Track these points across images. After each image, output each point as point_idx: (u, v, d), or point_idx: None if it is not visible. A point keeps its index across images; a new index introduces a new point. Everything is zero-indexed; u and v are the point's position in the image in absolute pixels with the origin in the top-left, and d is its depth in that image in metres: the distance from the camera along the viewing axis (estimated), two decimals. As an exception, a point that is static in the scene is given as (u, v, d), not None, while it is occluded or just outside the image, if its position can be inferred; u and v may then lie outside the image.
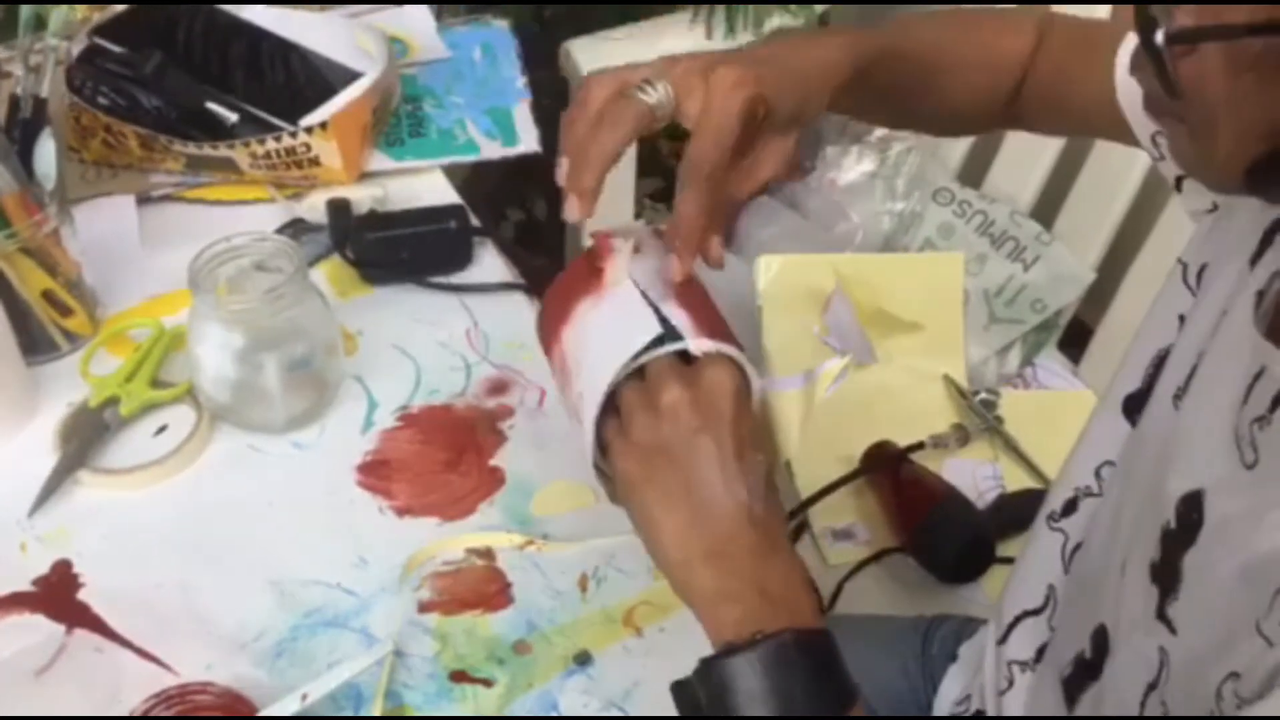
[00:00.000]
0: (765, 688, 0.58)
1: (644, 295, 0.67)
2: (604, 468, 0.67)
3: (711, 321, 0.68)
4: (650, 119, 0.66)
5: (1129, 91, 0.76)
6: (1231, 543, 0.58)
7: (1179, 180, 0.77)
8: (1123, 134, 0.79)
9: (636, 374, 0.65)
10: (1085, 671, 0.72)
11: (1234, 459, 0.60)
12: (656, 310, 0.66)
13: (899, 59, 0.79)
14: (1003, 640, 0.86)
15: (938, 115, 0.87)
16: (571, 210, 0.66)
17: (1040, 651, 0.82)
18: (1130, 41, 0.75)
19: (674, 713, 0.69)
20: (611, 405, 0.65)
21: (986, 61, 0.85)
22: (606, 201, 0.68)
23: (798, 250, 1.45)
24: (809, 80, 0.70)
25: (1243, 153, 0.53)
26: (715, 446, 0.62)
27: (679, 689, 0.62)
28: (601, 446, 0.66)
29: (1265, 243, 0.65)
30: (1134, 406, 0.76)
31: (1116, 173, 1.41)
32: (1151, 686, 0.62)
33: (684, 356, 0.65)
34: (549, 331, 0.71)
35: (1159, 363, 0.74)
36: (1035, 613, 0.83)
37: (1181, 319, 0.73)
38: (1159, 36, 0.51)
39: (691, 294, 0.69)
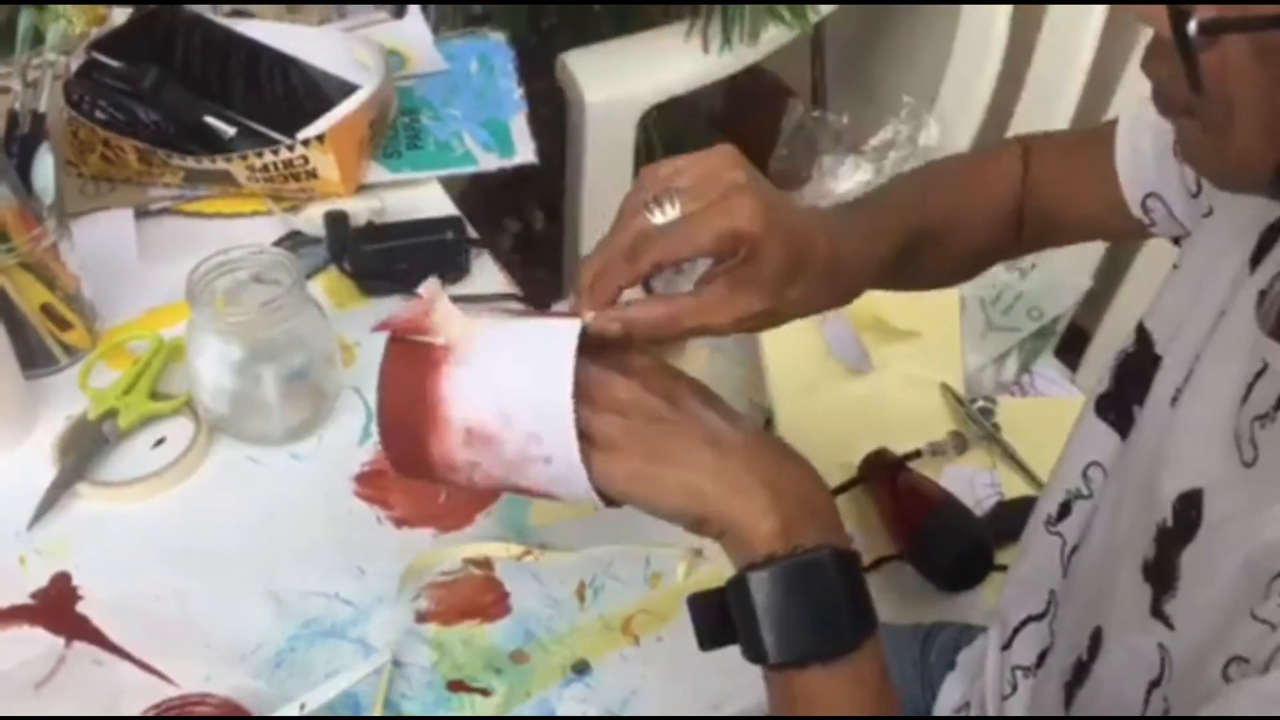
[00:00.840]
0: (791, 600, 0.58)
1: (508, 318, 0.65)
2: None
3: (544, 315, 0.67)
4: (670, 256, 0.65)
5: (1130, 172, 0.79)
6: (1231, 539, 0.58)
7: (1176, 240, 0.79)
8: (1127, 224, 0.80)
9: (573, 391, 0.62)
10: (1082, 674, 0.72)
11: (1233, 457, 0.60)
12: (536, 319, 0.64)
13: (924, 236, 0.79)
14: (1007, 646, 0.86)
15: (949, 270, 0.88)
16: (603, 327, 0.64)
17: (1042, 656, 0.82)
18: (1130, 117, 0.78)
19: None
20: None
21: (988, 212, 0.86)
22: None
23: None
24: (816, 276, 0.69)
25: (1264, 147, 0.53)
26: (693, 404, 0.63)
27: (698, 602, 0.62)
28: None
29: (1265, 243, 0.65)
30: (1106, 407, 0.77)
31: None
32: (1154, 684, 0.63)
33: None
34: (418, 436, 0.63)
35: (1125, 363, 0.75)
36: (1038, 618, 0.83)
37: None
38: (1191, 27, 0.50)
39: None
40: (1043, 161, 0.85)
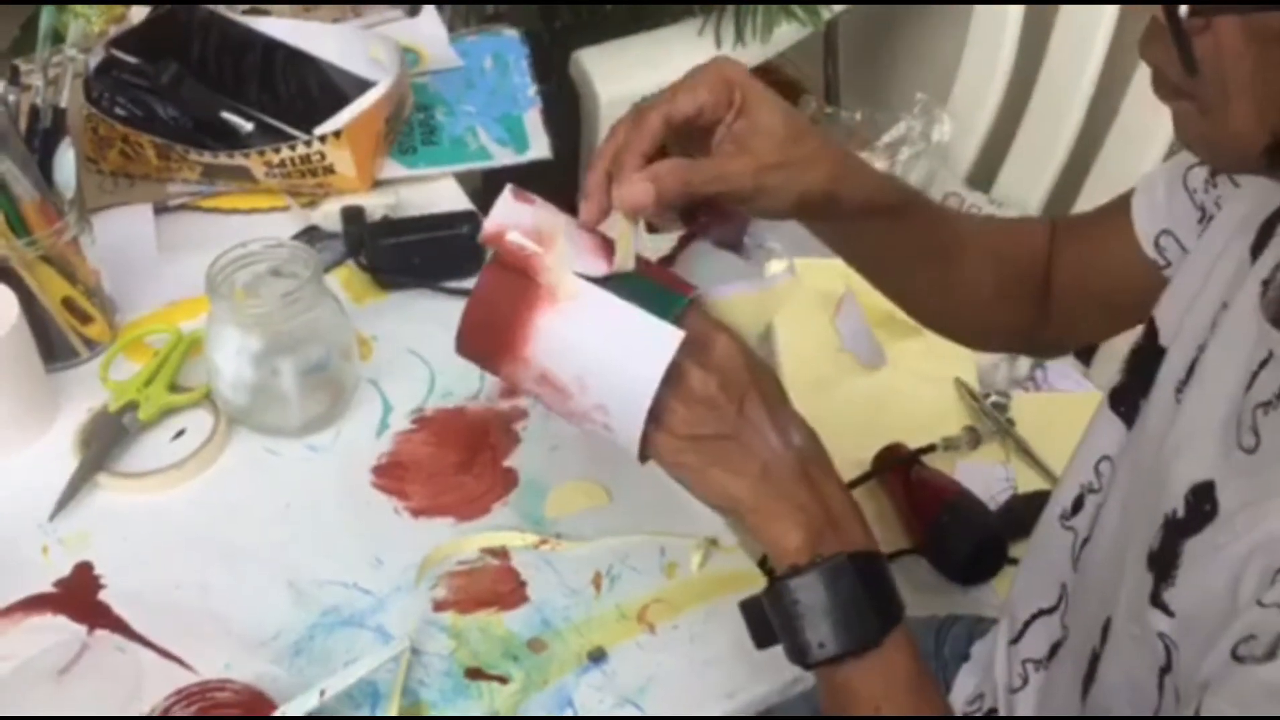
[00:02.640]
0: (820, 603, 0.64)
1: (619, 296, 0.64)
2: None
3: (655, 273, 0.67)
4: (668, 116, 0.69)
5: (1144, 212, 0.81)
6: (1236, 528, 0.58)
7: None
8: (1143, 269, 0.82)
9: None
10: (1096, 665, 0.73)
11: (1233, 444, 0.60)
12: (643, 305, 0.64)
13: (930, 216, 0.84)
14: (1017, 639, 0.86)
15: (957, 298, 0.89)
16: (634, 193, 0.66)
17: (1054, 649, 0.83)
18: (1147, 173, 0.82)
19: (686, 708, 0.71)
20: None
21: (1008, 249, 0.89)
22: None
23: (808, 255, 1.46)
24: (820, 147, 0.72)
25: (1257, 128, 0.54)
26: (758, 415, 0.65)
27: (748, 608, 0.67)
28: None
29: (1264, 234, 0.66)
30: (1119, 400, 0.77)
31: (1125, 176, 1.41)
32: (1164, 670, 0.63)
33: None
34: (497, 350, 0.66)
35: (1135, 356, 0.75)
36: (1049, 611, 0.83)
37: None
38: (1182, 10, 0.51)
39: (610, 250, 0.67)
40: (1066, 231, 0.89)
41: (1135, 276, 0.82)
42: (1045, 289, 0.89)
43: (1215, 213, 0.75)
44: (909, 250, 0.84)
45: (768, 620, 0.66)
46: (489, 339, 0.67)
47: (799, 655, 0.65)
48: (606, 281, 0.66)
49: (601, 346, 0.65)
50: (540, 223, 0.65)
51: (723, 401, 0.65)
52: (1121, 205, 0.83)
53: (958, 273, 0.87)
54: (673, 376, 0.64)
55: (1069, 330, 0.92)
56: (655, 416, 0.65)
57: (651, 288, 0.66)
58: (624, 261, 0.66)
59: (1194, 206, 0.78)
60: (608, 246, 0.67)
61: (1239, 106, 0.54)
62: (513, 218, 0.65)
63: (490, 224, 0.65)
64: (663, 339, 0.64)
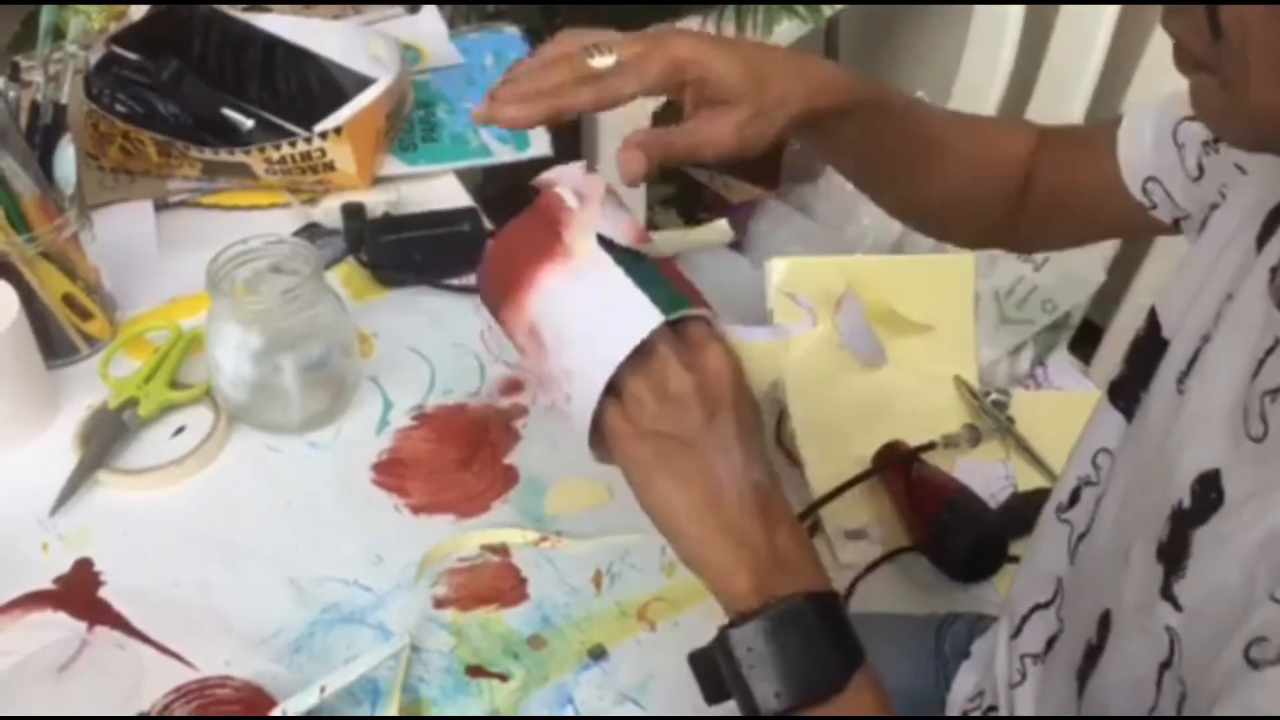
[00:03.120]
0: (773, 651, 0.60)
1: (625, 272, 0.64)
2: (596, 443, 0.67)
3: (677, 279, 0.67)
4: (591, 76, 0.67)
5: (1130, 156, 0.80)
6: (1247, 517, 0.58)
7: (1176, 221, 0.80)
8: (1128, 206, 0.81)
9: (635, 352, 0.64)
10: (1093, 658, 0.72)
11: (1241, 433, 0.60)
12: (644, 290, 0.64)
13: (906, 116, 0.82)
14: (1016, 634, 0.86)
15: (935, 199, 0.88)
16: (481, 107, 0.66)
17: (1050, 643, 0.83)
18: (1135, 110, 0.80)
19: (686, 706, 0.70)
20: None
21: (989, 153, 0.88)
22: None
23: (808, 253, 1.46)
24: (784, 75, 0.71)
25: (1276, 103, 0.53)
26: (727, 431, 0.63)
27: (696, 659, 0.64)
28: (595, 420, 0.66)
29: (1270, 223, 0.66)
30: (1118, 392, 0.77)
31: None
32: (1165, 665, 0.63)
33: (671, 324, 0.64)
34: (503, 291, 0.67)
35: (1136, 347, 0.75)
36: (1045, 605, 0.83)
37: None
38: None
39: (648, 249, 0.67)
40: (1052, 141, 0.88)
41: (1113, 204, 0.82)
42: (1023, 191, 0.88)
43: (1216, 180, 0.75)
44: (892, 146, 0.83)
45: (718, 672, 0.62)
46: (499, 281, 0.67)
47: (751, 708, 0.61)
48: (628, 259, 0.65)
49: (585, 310, 0.64)
50: (589, 189, 0.66)
51: (693, 404, 0.63)
52: (1107, 135, 0.82)
53: (939, 170, 0.86)
54: (653, 367, 0.63)
55: (1041, 234, 0.92)
56: (624, 403, 0.63)
57: (666, 285, 0.65)
58: (587, 251, 0.65)
59: (1184, 161, 0.77)
60: (644, 235, 0.67)
61: (1260, 78, 0.53)
62: (570, 179, 0.67)
63: (549, 174, 0.67)
64: (643, 317, 0.63)
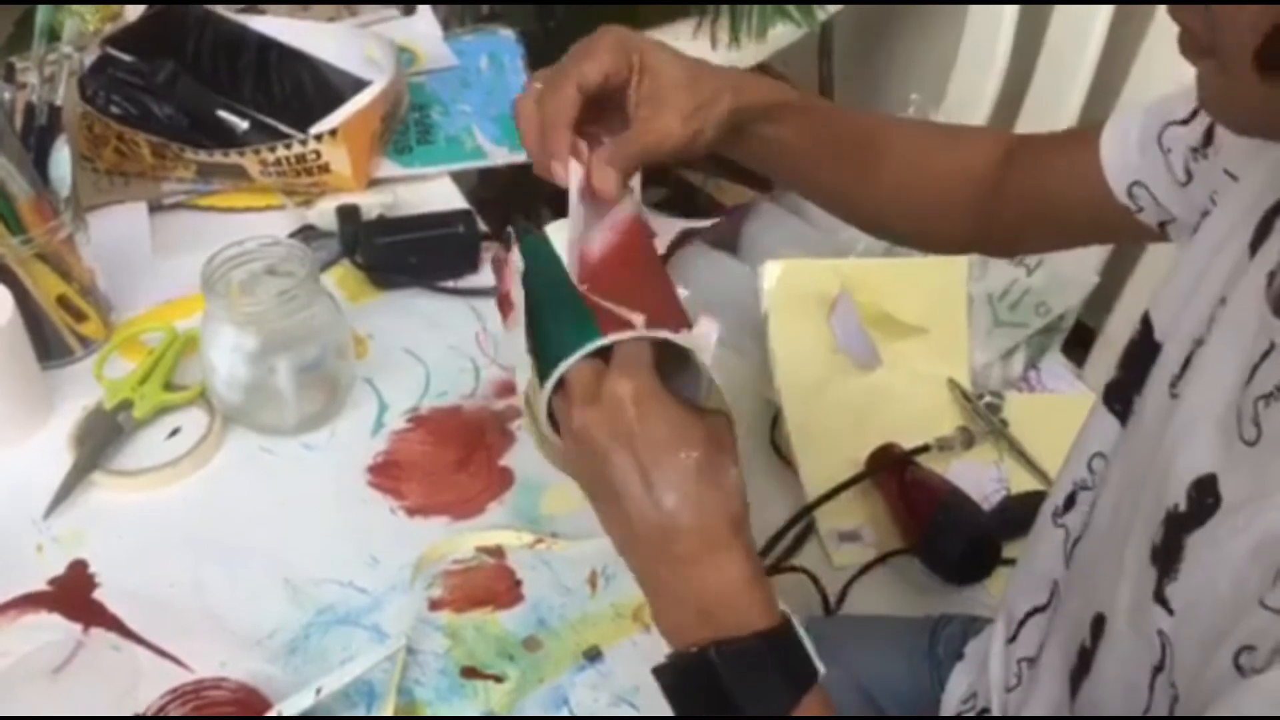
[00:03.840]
0: (682, 704, 0.62)
1: (530, 323, 0.67)
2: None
3: (625, 296, 0.66)
4: (583, 82, 0.70)
5: (1115, 160, 0.80)
6: (1238, 522, 0.58)
7: (1162, 225, 0.80)
8: (1113, 211, 0.81)
9: (557, 384, 0.65)
10: (1086, 662, 0.73)
11: (1234, 437, 0.61)
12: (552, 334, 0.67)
13: (834, 116, 0.85)
14: (1013, 639, 0.86)
15: (891, 207, 0.89)
16: (559, 172, 0.70)
17: (1042, 646, 0.83)
18: (1118, 113, 0.81)
19: (670, 666, 0.69)
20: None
21: (950, 162, 0.89)
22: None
23: (802, 255, 1.46)
24: (713, 74, 0.76)
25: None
26: (629, 463, 0.62)
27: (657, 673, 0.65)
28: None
29: (1264, 228, 0.66)
30: (1113, 396, 0.77)
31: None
32: (1158, 669, 0.63)
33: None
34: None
35: (1131, 351, 0.75)
36: (1041, 610, 0.84)
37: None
38: None
39: (618, 264, 0.69)
40: (1026, 148, 0.88)
41: (1095, 208, 0.82)
42: (994, 197, 0.88)
43: (1205, 185, 0.75)
44: (823, 148, 0.85)
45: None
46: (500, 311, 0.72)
47: None
48: (554, 297, 0.67)
49: (517, 370, 0.68)
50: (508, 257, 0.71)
51: (596, 440, 0.62)
52: (1087, 140, 0.82)
53: (885, 172, 0.87)
54: (563, 405, 0.64)
55: (1018, 240, 0.92)
56: (568, 391, 0.64)
57: (578, 323, 0.65)
58: (515, 303, 0.69)
59: (1170, 166, 0.77)
60: (631, 232, 0.70)
61: (1243, 63, 0.53)
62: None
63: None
64: (522, 375, 0.67)
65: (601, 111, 0.73)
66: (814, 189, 0.90)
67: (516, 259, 0.69)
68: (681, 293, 0.70)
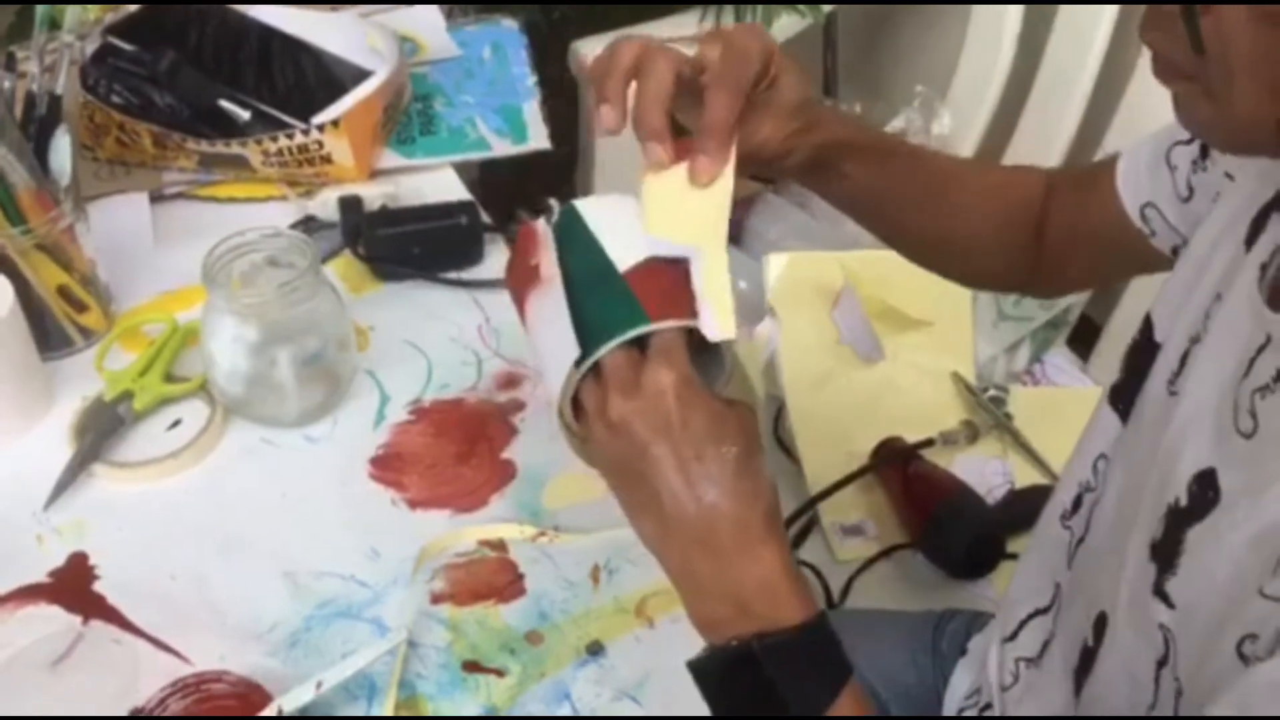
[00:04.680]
0: (722, 697, 0.62)
1: (573, 297, 0.65)
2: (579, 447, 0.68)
3: (667, 284, 0.65)
4: (682, 62, 0.68)
5: (1128, 183, 0.82)
6: (1237, 514, 0.58)
7: (1175, 249, 0.80)
8: (1130, 236, 0.82)
9: (589, 371, 0.64)
10: (1090, 660, 0.72)
11: (1231, 429, 0.60)
12: (591, 314, 0.65)
13: (913, 158, 0.87)
14: (1012, 638, 0.86)
15: (952, 243, 0.91)
16: (656, 154, 0.67)
17: (1045, 646, 0.82)
18: (1133, 141, 0.82)
19: (683, 702, 0.70)
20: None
21: (1004, 200, 0.90)
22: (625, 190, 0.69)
23: (806, 248, 1.46)
24: (823, 109, 0.77)
25: (1262, 109, 0.53)
26: (669, 456, 0.61)
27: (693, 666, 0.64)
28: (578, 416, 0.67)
29: (1258, 224, 0.66)
30: (1117, 397, 0.77)
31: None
32: (1161, 663, 0.63)
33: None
34: (515, 296, 0.70)
35: (1133, 352, 0.75)
36: (1044, 611, 0.83)
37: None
38: None
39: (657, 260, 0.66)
40: (1061, 184, 0.90)
41: (1121, 237, 0.82)
42: (1039, 236, 0.90)
43: (1206, 196, 0.75)
44: (899, 190, 0.85)
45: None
46: (512, 282, 0.70)
47: None
48: (593, 275, 0.65)
49: (545, 338, 0.66)
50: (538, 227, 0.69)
51: (635, 432, 0.61)
52: (1109, 170, 0.84)
53: (950, 212, 0.89)
54: (599, 392, 0.63)
55: (1060, 277, 0.93)
56: (603, 376, 0.63)
57: (623, 302, 0.64)
58: (550, 275, 0.66)
59: (1175, 184, 0.78)
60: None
61: (1244, 87, 0.53)
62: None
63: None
64: (570, 355, 0.63)
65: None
66: (884, 227, 0.91)
67: (548, 232, 0.67)
68: (741, 285, 0.69)
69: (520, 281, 0.68)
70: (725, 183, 0.67)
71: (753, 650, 0.60)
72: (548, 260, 0.66)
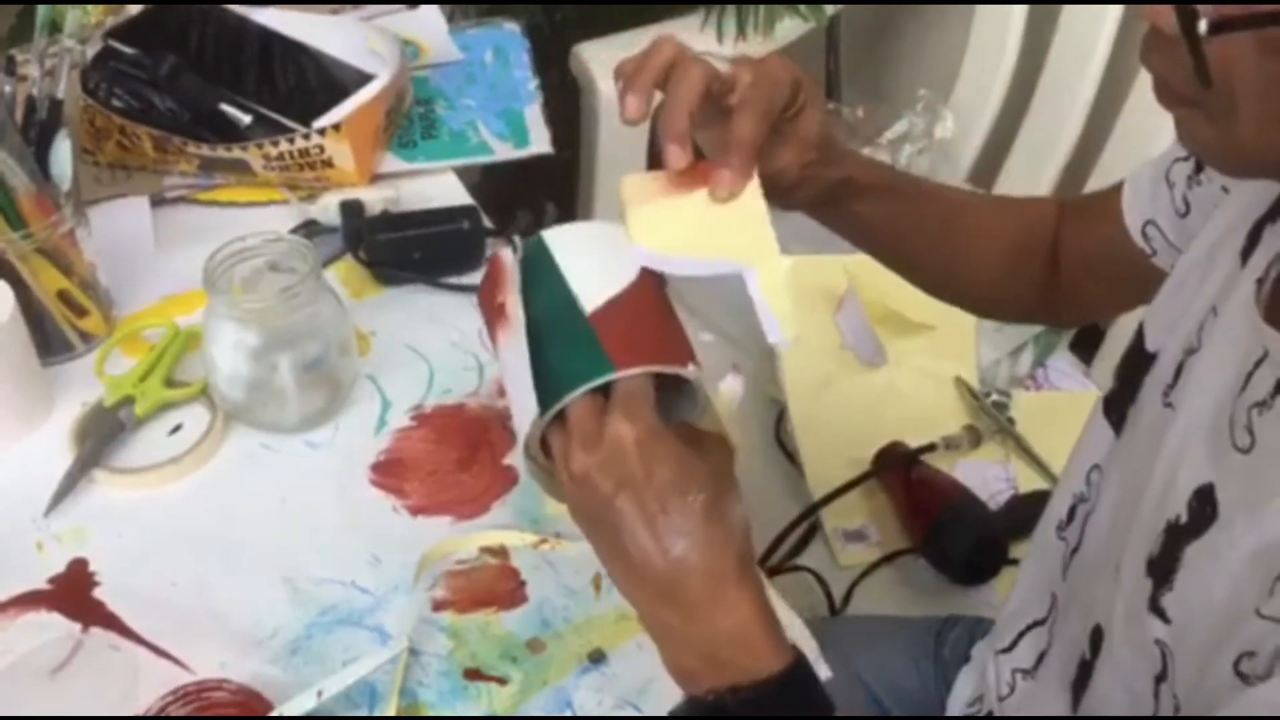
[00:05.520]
0: None
1: (533, 348, 0.64)
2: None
3: (633, 324, 0.64)
4: (714, 77, 0.68)
5: (1132, 203, 0.83)
6: (1235, 530, 0.58)
7: None
8: (1134, 255, 0.83)
9: (555, 417, 0.63)
10: (1087, 673, 0.72)
11: (1228, 445, 0.60)
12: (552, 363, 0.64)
13: (925, 196, 0.89)
14: (1010, 649, 0.86)
15: (971, 280, 0.92)
16: (677, 158, 0.66)
17: (1040, 658, 0.82)
18: (1146, 169, 0.82)
19: (685, 710, 0.70)
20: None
21: (1021, 233, 0.91)
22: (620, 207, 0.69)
23: (809, 251, 1.45)
24: (842, 149, 0.79)
25: (1268, 135, 0.53)
26: (634, 511, 0.60)
27: None
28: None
29: (1255, 237, 0.66)
30: (1110, 407, 0.77)
31: (1128, 174, 1.41)
32: (1159, 678, 0.63)
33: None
34: (486, 324, 0.70)
35: (1126, 361, 0.75)
36: (1040, 623, 0.83)
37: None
38: (1201, 26, 0.50)
39: (625, 296, 0.65)
40: (1071, 212, 0.91)
41: (1129, 260, 0.83)
42: (1053, 265, 0.91)
43: (1202, 212, 0.75)
44: (907, 226, 0.87)
45: None
46: (483, 312, 0.70)
47: None
48: (558, 321, 0.64)
49: (510, 374, 0.65)
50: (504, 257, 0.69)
51: (597, 486, 0.60)
52: (1115, 192, 0.85)
53: (962, 245, 0.90)
54: (563, 441, 0.62)
55: (1076, 305, 0.93)
56: (568, 427, 0.62)
57: (587, 350, 0.62)
58: (514, 317, 0.65)
59: (1173, 200, 0.79)
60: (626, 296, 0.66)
61: (1248, 115, 0.53)
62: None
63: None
64: (529, 409, 0.62)
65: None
66: (894, 261, 0.92)
67: (515, 267, 0.67)
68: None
69: (489, 313, 0.68)
70: (758, 197, 0.66)
71: (727, 704, 0.60)
72: (513, 299, 0.65)
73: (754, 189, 0.66)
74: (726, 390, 0.64)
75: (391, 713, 0.76)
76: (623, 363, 0.61)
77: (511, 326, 0.65)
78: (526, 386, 0.62)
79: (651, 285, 0.66)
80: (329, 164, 1.10)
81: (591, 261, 0.66)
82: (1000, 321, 1.05)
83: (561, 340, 0.64)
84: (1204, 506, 0.61)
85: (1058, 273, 0.91)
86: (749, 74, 0.69)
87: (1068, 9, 1.53)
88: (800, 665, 0.61)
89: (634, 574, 0.62)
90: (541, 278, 0.66)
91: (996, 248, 0.91)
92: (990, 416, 1.37)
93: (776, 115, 0.70)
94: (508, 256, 0.67)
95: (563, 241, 0.67)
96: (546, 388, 0.62)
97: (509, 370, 0.66)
